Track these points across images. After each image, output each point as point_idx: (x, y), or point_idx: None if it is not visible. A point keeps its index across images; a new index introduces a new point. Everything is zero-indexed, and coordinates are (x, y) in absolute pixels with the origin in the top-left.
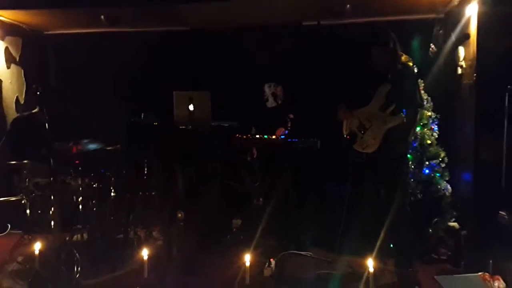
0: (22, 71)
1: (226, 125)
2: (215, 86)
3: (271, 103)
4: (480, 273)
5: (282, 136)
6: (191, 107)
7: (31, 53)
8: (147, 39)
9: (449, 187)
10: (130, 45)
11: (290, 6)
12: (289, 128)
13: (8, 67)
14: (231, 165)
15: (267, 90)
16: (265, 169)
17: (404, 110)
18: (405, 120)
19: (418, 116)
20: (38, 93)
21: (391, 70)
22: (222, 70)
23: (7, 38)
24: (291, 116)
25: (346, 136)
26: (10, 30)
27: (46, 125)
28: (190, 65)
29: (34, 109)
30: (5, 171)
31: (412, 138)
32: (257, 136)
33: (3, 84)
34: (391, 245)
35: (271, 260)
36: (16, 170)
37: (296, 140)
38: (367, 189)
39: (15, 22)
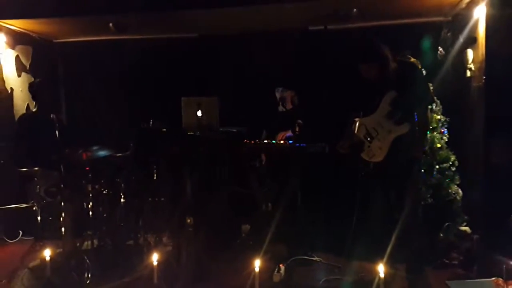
0: (33, 79)
1: (234, 130)
2: (223, 92)
3: (282, 108)
4: (493, 278)
5: (290, 141)
6: (199, 113)
7: (41, 61)
8: (155, 46)
9: (460, 191)
10: (138, 52)
11: (297, 11)
12: (297, 132)
13: (19, 76)
14: (240, 170)
15: (278, 94)
16: (273, 175)
17: (415, 115)
18: (416, 126)
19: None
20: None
21: (384, 81)
22: (230, 76)
23: (18, 47)
24: (300, 121)
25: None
26: (20, 39)
27: (56, 132)
28: (198, 71)
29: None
30: (16, 178)
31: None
32: (265, 141)
33: (14, 92)
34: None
35: (281, 265)
36: (27, 177)
37: (305, 145)
38: (376, 195)
39: (25, 31)
